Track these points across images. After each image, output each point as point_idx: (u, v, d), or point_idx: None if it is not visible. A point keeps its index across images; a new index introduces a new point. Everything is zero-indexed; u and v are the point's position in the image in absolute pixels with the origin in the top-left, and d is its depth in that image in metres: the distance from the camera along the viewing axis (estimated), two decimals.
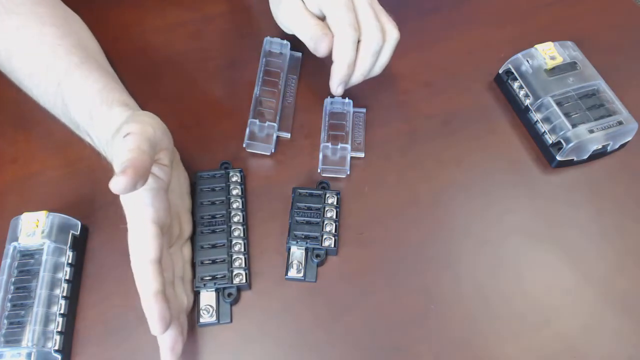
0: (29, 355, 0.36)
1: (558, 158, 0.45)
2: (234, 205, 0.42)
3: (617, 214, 0.44)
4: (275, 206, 0.44)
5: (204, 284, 0.39)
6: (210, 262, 0.40)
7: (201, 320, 0.39)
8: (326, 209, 0.42)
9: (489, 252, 0.42)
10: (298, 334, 0.39)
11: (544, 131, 0.46)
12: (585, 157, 0.45)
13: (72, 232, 0.40)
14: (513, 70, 0.48)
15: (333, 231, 0.41)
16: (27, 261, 0.38)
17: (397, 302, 0.40)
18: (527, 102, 0.47)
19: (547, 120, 0.46)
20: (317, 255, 0.41)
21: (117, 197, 0.42)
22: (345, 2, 0.40)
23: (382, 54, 0.42)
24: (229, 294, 0.39)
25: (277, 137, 0.47)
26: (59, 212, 0.40)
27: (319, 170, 0.45)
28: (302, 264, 0.41)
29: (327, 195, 0.43)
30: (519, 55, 0.48)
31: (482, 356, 0.38)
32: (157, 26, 0.53)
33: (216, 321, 0.39)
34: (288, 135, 0.47)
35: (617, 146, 0.46)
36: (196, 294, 0.40)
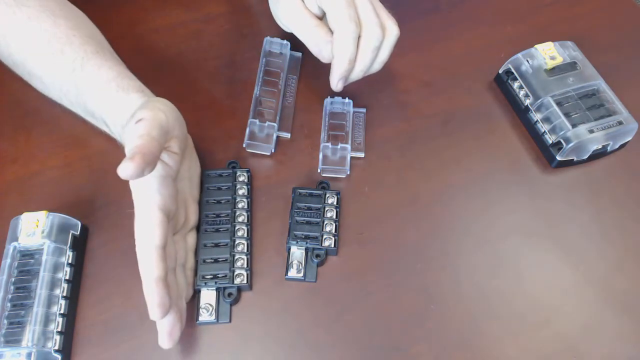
0: (29, 355, 0.36)
1: (558, 158, 0.45)
2: (239, 205, 0.42)
3: (617, 213, 0.44)
4: (275, 206, 0.44)
5: (205, 283, 0.39)
6: (212, 260, 0.40)
7: (200, 318, 0.39)
8: (326, 209, 0.42)
9: (489, 252, 0.42)
10: (298, 334, 0.39)
11: (544, 131, 0.46)
12: (585, 157, 0.45)
13: (72, 232, 0.40)
14: (513, 70, 0.48)
15: (333, 231, 0.41)
16: (27, 261, 0.38)
17: (397, 302, 0.40)
18: (527, 102, 0.47)
19: (547, 120, 0.46)
20: (317, 255, 0.41)
21: (117, 197, 0.43)
22: None
23: (382, 50, 0.42)
24: (229, 294, 0.39)
25: (277, 137, 0.47)
26: (59, 212, 0.40)
27: (319, 170, 0.45)
28: (302, 264, 0.41)
29: (327, 195, 0.43)
30: (519, 55, 0.48)
31: (482, 356, 0.39)
32: (157, 26, 0.53)
33: (215, 320, 0.39)
34: (288, 135, 0.47)
35: (617, 146, 0.46)
36: (196, 292, 0.40)
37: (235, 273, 0.40)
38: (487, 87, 0.51)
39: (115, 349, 0.38)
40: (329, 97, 0.47)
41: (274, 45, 0.50)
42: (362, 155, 0.46)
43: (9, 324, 0.36)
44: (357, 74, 0.42)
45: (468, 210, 0.44)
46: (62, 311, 0.37)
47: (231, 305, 0.39)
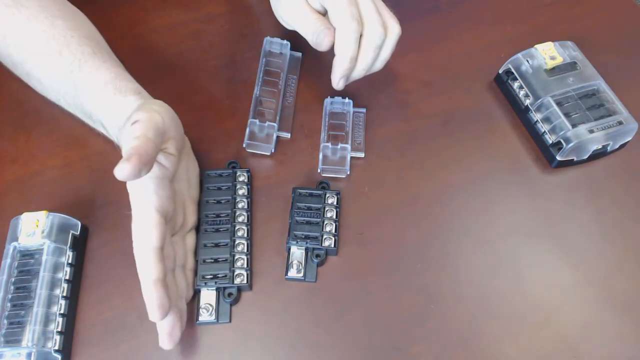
0: (29, 355, 0.36)
1: (558, 158, 0.45)
2: (240, 205, 0.42)
3: (617, 213, 0.44)
4: (275, 206, 0.44)
5: (205, 283, 0.39)
6: (212, 260, 0.40)
7: (200, 318, 0.39)
8: (326, 209, 0.42)
9: (489, 252, 0.42)
10: (298, 334, 0.39)
11: (544, 131, 0.46)
12: (585, 157, 0.45)
13: (72, 232, 0.40)
14: (513, 70, 0.48)
15: (333, 231, 0.41)
16: (27, 261, 0.38)
17: (397, 302, 0.40)
18: (527, 102, 0.47)
19: (547, 120, 0.46)
20: (317, 255, 0.41)
21: (117, 197, 0.43)
22: None
23: (383, 49, 0.42)
24: (229, 294, 0.39)
25: (277, 137, 0.47)
26: (59, 212, 0.40)
27: (319, 170, 0.45)
28: (302, 264, 0.41)
29: (327, 195, 0.43)
30: (519, 55, 0.48)
31: (482, 356, 0.39)
32: (157, 26, 0.53)
33: (215, 320, 0.39)
34: (288, 135, 0.47)
35: (617, 146, 0.46)
36: (196, 292, 0.40)
37: (235, 273, 0.40)
38: (487, 87, 0.51)
39: (115, 349, 0.38)
40: (329, 97, 0.47)
41: (274, 45, 0.50)
42: (362, 155, 0.46)
43: (9, 324, 0.36)
44: (358, 72, 0.42)
45: (468, 210, 0.44)
46: (62, 311, 0.37)
47: (231, 305, 0.39)
